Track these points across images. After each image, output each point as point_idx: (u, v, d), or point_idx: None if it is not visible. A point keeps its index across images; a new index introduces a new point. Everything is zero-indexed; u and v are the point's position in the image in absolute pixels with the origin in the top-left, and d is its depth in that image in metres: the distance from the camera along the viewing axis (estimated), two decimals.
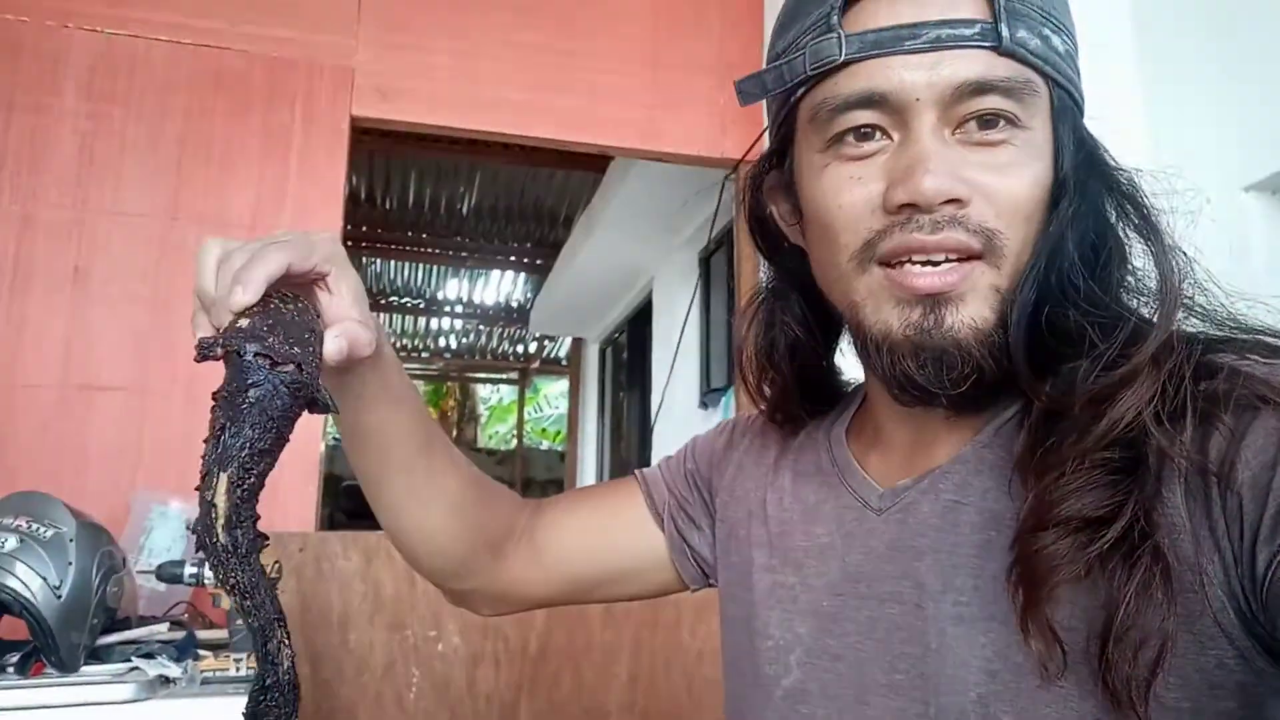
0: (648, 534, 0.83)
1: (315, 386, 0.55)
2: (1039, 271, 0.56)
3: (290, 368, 0.54)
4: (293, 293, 0.59)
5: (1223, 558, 0.47)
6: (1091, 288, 0.56)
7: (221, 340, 0.54)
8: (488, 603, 0.86)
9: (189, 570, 1.55)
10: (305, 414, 0.56)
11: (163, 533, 1.83)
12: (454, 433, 11.37)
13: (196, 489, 0.51)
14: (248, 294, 0.54)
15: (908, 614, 0.60)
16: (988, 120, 0.55)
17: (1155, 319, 0.54)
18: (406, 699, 2.22)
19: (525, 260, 6.65)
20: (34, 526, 1.34)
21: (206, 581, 1.54)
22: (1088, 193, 0.58)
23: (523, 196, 5.76)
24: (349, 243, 4.42)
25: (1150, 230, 0.57)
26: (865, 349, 0.61)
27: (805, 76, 0.59)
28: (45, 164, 2.16)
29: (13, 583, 1.29)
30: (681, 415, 3.77)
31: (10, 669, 1.36)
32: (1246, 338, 0.54)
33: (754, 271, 2.71)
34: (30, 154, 2.15)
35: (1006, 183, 0.55)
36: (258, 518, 0.52)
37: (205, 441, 0.52)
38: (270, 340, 0.54)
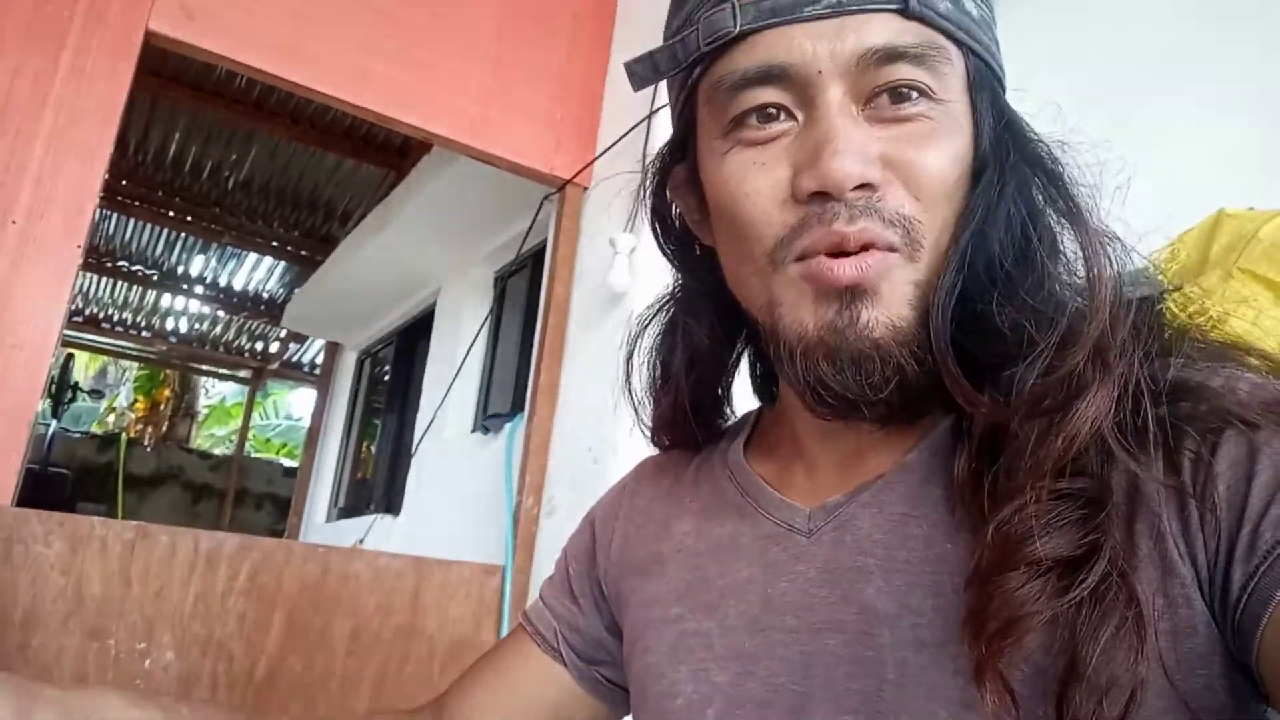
0: (554, 676, 0.74)
1: None
2: (961, 259, 0.52)
3: None
4: None
5: (1197, 573, 0.45)
6: (1022, 277, 0.52)
7: None
8: None
9: None
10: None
11: None
12: (164, 427, 10.22)
13: None
14: None
15: (852, 644, 0.53)
16: (899, 93, 0.52)
17: (1087, 314, 0.49)
18: None
19: (288, 249, 6.14)
20: None
21: None
22: (1011, 170, 0.54)
23: (300, 180, 5.34)
24: None
25: (1072, 209, 0.53)
26: (779, 355, 0.55)
27: (700, 53, 0.55)
28: None
29: None
30: (453, 438, 3.55)
31: None
32: (1199, 342, 0.52)
33: (565, 298, 2.60)
34: None
35: (924, 159, 0.52)
36: None
37: None
38: None
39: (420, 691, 2.19)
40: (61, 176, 1.89)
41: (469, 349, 3.23)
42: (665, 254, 0.68)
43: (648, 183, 0.66)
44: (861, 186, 0.50)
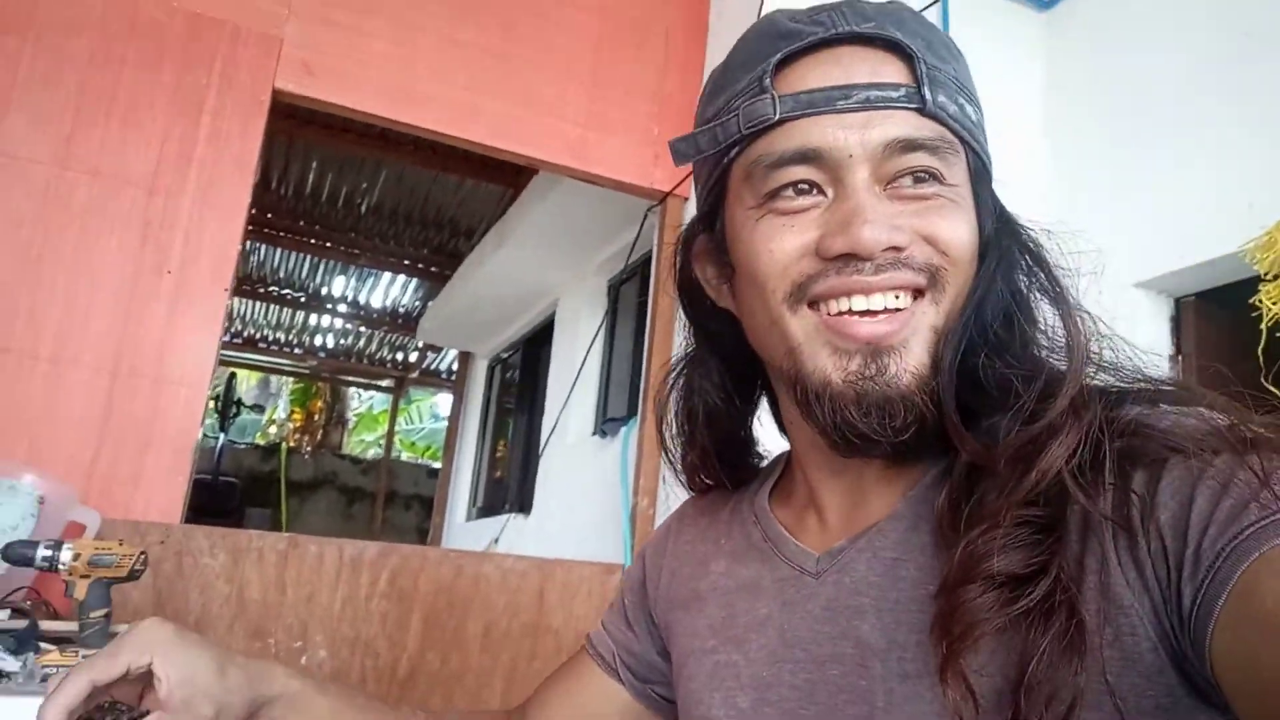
0: (614, 693, 0.83)
1: None
2: (966, 324, 0.59)
3: None
4: (125, 706, 0.65)
5: (1151, 598, 0.50)
6: (1012, 341, 0.60)
7: None
8: None
9: (41, 552, 1.38)
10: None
11: (10, 509, 1.64)
12: (319, 435, 10.91)
13: None
14: None
15: (850, 674, 0.60)
16: (918, 176, 0.59)
17: (1066, 373, 0.56)
18: None
19: (419, 266, 6.46)
20: None
21: (60, 567, 1.38)
22: (1006, 250, 0.62)
23: (426, 201, 5.61)
24: None
25: (1056, 289, 0.61)
26: (805, 399, 0.60)
27: (740, 135, 0.61)
28: None
29: None
30: (575, 442, 3.70)
31: None
32: (1151, 388, 0.58)
33: (670, 305, 2.69)
34: None
35: (944, 225, 0.59)
36: None
37: None
38: None
39: None
40: (207, 228, 2.12)
41: (585, 355, 3.36)
42: (685, 314, 0.75)
43: (675, 252, 0.73)
44: (890, 249, 0.57)
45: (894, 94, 0.58)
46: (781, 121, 0.59)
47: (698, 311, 0.74)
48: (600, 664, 0.84)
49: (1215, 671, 0.46)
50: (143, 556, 1.45)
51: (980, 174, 0.62)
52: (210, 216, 2.13)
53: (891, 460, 0.62)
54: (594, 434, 3.53)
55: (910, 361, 0.58)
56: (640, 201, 2.87)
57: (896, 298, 0.58)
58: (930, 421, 0.58)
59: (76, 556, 1.38)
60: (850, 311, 0.58)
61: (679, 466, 0.78)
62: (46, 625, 1.43)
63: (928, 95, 0.58)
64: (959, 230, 0.59)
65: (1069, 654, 0.49)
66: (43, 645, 1.35)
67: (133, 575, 1.44)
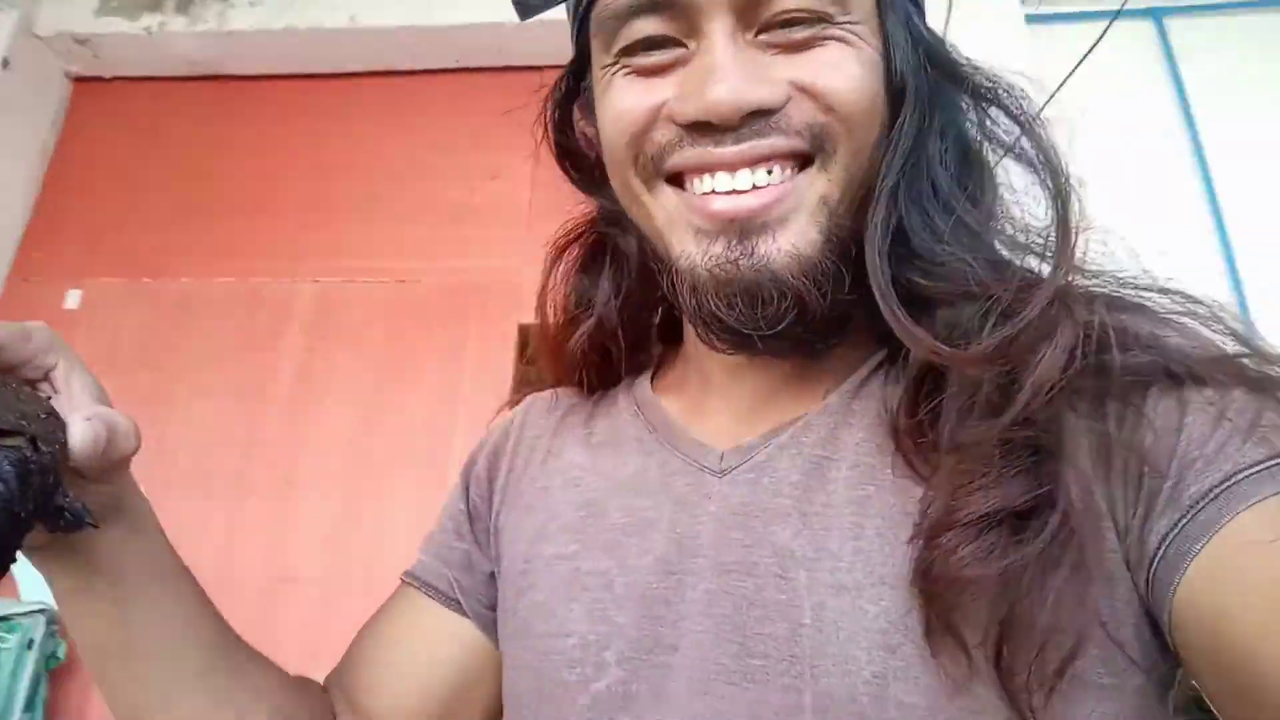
0: (455, 627, 0.67)
1: (59, 479, 0.39)
2: (894, 190, 0.49)
3: (19, 440, 0.38)
4: (14, 379, 0.46)
5: (1116, 525, 0.44)
6: (964, 210, 0.49)
7: None
8: None
9: None
10: (48, 535, 0.41)
11: None
12: None
13: None
14: None
15: (766, 587, 0.49)
16: (792, 20, 0.49)
17: (1051, 255, 0.47)
18: None
19: None
20: None
21: None
22: (939, 97, 0.51)
23: None
24: None
25: (1037, 145, 0.50)
26: (675, 285, 0.52)
27: None
28: (269, 393, 2.54)
29: None
30: None
31: None
32: (1148, 294, 0.49)
33: None
34: (256, 386, 2.54)
35: (829, 76, 0.49)
36: None
37: None
38: None
39: None
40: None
41: None
42: (570, 180, 0.65)
43: (548, 115, 0.63)
44: (757, 113, 0.48)
45: None
46: None
47: (587, 178, 0.64)
48: (434, 595, 0.68)
49: (1172, 622, 0.40)
50: None
51: (889, 4, 0.52)
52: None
53: (794, 355, 0.54)
54: None
55: (787, 240, 0.48)
56: None
57: (769, 173, 0.49)
58: (816, 307, 0.48)
59: None
60: (714, 192, 0.49)
61: (559, 360, 0.68)
62: None
63: None
64: (849, 76, 0.49)
65: (1071, 593, 0.41)
66: None
67: None
